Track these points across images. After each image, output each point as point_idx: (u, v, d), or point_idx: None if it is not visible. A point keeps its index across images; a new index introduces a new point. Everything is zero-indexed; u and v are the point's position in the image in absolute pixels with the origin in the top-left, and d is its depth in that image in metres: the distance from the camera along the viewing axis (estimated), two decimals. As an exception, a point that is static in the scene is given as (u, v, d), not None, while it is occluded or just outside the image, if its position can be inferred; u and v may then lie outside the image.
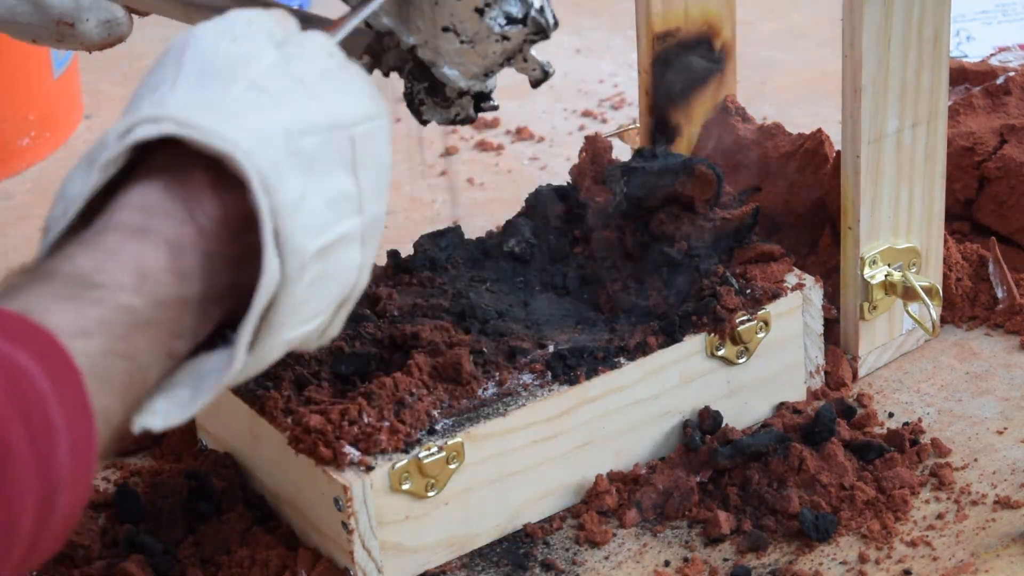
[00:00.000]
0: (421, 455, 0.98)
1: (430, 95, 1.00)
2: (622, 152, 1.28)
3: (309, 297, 0.75)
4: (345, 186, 0.76)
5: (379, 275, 1.15)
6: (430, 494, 0.99)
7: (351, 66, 0.80)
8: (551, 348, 1.06)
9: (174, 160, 0.73)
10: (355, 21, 0.91)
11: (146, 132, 0.72)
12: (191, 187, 0.72)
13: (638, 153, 1.20)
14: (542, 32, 0.95)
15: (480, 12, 0.94)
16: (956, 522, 1.03)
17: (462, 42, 0.96)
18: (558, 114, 1.67)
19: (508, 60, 0.97)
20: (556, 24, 0.96)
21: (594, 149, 1.22)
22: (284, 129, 0.73)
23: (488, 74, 0.98)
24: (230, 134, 0.71)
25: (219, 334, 0.75)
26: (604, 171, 1.19)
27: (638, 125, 1.28)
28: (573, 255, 1.17)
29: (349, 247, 0.77)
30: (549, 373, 1.04)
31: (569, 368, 1.05)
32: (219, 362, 0.73)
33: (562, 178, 1.27)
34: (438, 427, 1.00)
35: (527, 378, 1.04)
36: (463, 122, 1.01)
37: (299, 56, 0.77)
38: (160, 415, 0.72)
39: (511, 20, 0.94)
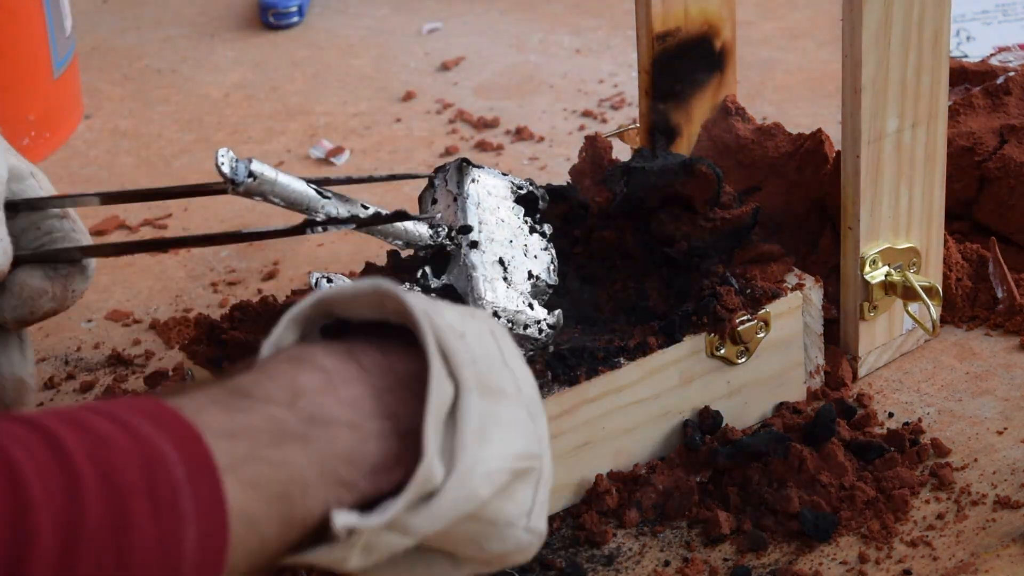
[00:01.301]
0: (421, 455, 0.98)
1: None
2: (622, 152, 1.28)
3: (492, 433, 0.74)
4: (497, 355, 0.78)
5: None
6: (430, 494, 0.99)
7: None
8: (551, 348, 1.06)
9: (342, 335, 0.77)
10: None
11: (305, 303, 0.77)
12: (353, 342, 0.76)
13: (638, 153, 1.20)
14: (552, 334, 1.06)
15: (529, 276, 1.07)
16: (956, 522, 1.03)
17: (504, 278, 1.06)
18: (558, 114, 1.67)
19: (511, 324, 1.04)
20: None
21: (594, 149, 1.22)
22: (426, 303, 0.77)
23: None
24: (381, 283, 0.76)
25: None
26: (604, 171, 1.19)
27: (638, 125, 1.28)
28: (573, 255, 1.17)
29: (516, 408, 0.77)
30: (549, 373, 1.04)
31: (569, 368, 1.05)
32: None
33: (562, 178, 1.27)
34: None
35: (527, 378, 1.04)
36: None
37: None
38: (357, 518, 0.71)
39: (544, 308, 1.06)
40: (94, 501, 0.62)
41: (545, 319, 1.05)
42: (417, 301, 0.75)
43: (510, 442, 0.75)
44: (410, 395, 0.74)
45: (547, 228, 1.09)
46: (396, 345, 0.76)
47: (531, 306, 1.05)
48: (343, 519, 0.70)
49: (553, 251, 1.09)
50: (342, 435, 0.71)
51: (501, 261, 1.06)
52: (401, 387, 0.74)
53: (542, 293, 1.06)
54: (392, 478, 0.72)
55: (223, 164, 0.98)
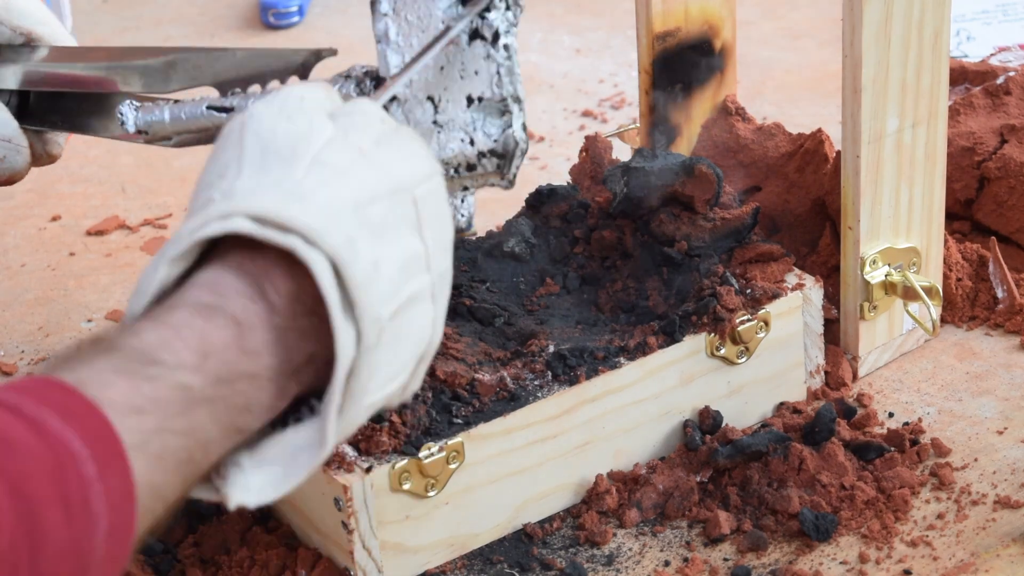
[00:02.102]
0: (421, 455, 0.98)
1: None
2: (622, 152, 1.28)
3: (386, 360, 0.76)
4: (414, 247, 0.77)
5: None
6: (430, 494, 0.99)
7: (402, 128, 0.81)
8: (551, 348, 1.06)
9: (247, 241, 0.74)
10: (397, 86, 0.91)
11: (215, 230, 0.73)
12: (262, 265, 0.74)
13: (638, 153, 1.20)
14: (502, 163, 0.92)
15: (470, 102, 0.92)
16: (956, 522, 1.03)
17: (434, 122, 0.93)
18: (558, 114, 1.67)
19: (458, 169, 0.94)
20: (512, 179, 0.94)
21: (594, 149, 1.22)
22: (353, 202, 0.75)
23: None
24: (301, 216, 0.73)
25: (304, 401, 0.76)
26: (604, 171, 1.19)
27: (638, 125, 1.28)
28: (573, 255, 1.17)
29: (421, 304, 0.78)
30: (549, 373, 1.04)
31: (569, 368, 1.05)
32: (308, 437, 0.75)
33: (562, 178, 1.27)
34: (438, 427, 1.00)
35: (527, 378, 1.04)
36: None
37: (353, 125, 0.79)
38: (254, 492, 0.73)
39: (487, 136, 0.92)
40: (6, 521, 0.61)
41: (489, 148, 0.92)
42: (333, 244, 0.72)
43: (401, 355, 0.77)
44: (309, 326, 0.74)
45: (496, 21, 0.92)
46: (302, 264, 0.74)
47: (471, 141, 0.92)
48: (236, 500, 0.73)
49: (502, 51, 0.92)
50: (243, 388, 0.72)
51: (430, 98, 0.93)
52: (304, 315, 0.74)
53: (494, 110, 0.92)
54: (280, 410, 0.74)
55: (127, 124, 1.01)
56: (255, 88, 1.02)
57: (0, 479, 0.62)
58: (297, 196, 0.74)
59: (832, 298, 1.18)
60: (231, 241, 0.74)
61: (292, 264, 0.73)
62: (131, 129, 1.02)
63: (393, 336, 0.76)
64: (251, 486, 0.73)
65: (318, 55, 1.03)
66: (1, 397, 0.65)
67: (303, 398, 0.76)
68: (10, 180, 1.13)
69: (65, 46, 1.12)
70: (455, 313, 1.10)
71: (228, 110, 1.00)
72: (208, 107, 1.01)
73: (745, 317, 1.09)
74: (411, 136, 0.81)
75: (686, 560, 1.02)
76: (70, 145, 1.68)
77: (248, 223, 0.72)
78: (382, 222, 0.75)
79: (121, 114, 1.03)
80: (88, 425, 0.65)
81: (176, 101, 1.03)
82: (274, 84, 1.02)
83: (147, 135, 1.02)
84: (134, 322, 0.72)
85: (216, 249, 0.75)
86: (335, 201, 0.74)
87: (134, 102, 1.03)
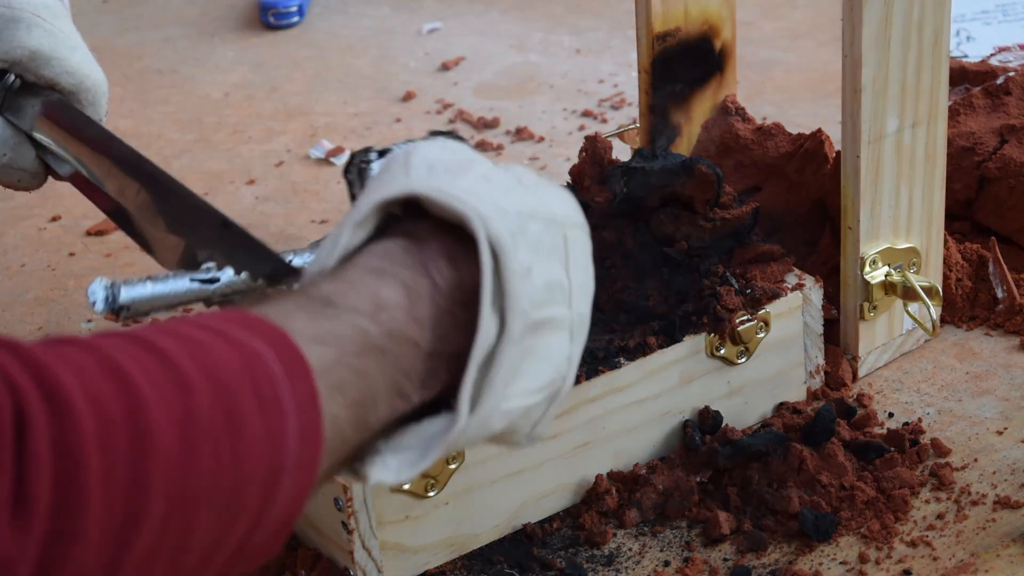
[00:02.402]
0: (421, 455, 0.98)
1: None
2: (622, 152, 1.28)
3: (523, 368, 0.77)
4: (560, 276, 0.79)
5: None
6: (430, 494, 0.99)
7: (554, 181, 0.84)
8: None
9: (415, 228, 0.77)
10: None
11: (394, 190, 0.77)
12: (428, 250, 0.76)
13: (638, 153, 1.20)
14: None
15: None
16: (956, 522, 1.03)
17: None
18: (558, 114, 1.67)
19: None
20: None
21: (594, 149, 1.22)
22: (516, 209, 0.78)
23: None
24: (472, 201, 0.76)
25: (444, 403, 0.78)
26: (604, 171, 1.19)
27: (638, 125, 1.28)
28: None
29: (559, 334, 0.80)
30: (549, 373, 1.04)
31: (569, 368, 1.05)
32: (443, 424, 0.76)
33: (562, 178, 1.27)
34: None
35: (527, 378, 1.04)
36: None
37: (511, 167, 0.82)
38: (392, 471, 0.75)
39: None
40: (204, 397, 0.63)
41: None
42: (497, 229, 0.75)
43: (539, 375, 0.78)
44: (463, 318, 0.76)
45: None
46: (462, 248, 0.77)
47: None
48: (376, 477, 0.74)
49: None
50: (408, 352, 0.74)
51: None
52: (460, 308, 0.76)
53: None
54: (429, 393, 0.75)
55: (96, 303, 0.97)
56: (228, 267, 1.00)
57: (194, 366, 0.63)
58: (465, 193, 0.76)
59: (832, 298, 1.18)
60: (400, 230, 0.77)
61: (454, 257, 0.76)
62: (101, 309, 0.96)
63: (532, 349, 0.77)
64: (389, 465, 0.75)
65: (288, 271, 0.97)
66: (181, 318, 0.68)
67: (440, 400, 0.77)
68: (27, 190, 1.17)
69: (64, 111, 1.14)
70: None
71: (214, 281, 0.98)
72: (192, 279, 0.99)
73: (745, 317, 1.09)
74: (562, 188, 0.84)
75: (686, 560, 1.02)
76: (70, 145, 1.68)
77: (425, 188, 0.76)
78: (538, 240, 0.78)
79: (92, 293, 0.98)
80: (269, 336, 0.67)
81: (149, 277, 1.00)
82: (244, 275, 0.99)
83: (127, 311, 0.97)
84: (313, 280, 0.75)
85: (386, 232, 0.78)
86: (502, 203, 0.77)
87: (105, 280, 0.98)
